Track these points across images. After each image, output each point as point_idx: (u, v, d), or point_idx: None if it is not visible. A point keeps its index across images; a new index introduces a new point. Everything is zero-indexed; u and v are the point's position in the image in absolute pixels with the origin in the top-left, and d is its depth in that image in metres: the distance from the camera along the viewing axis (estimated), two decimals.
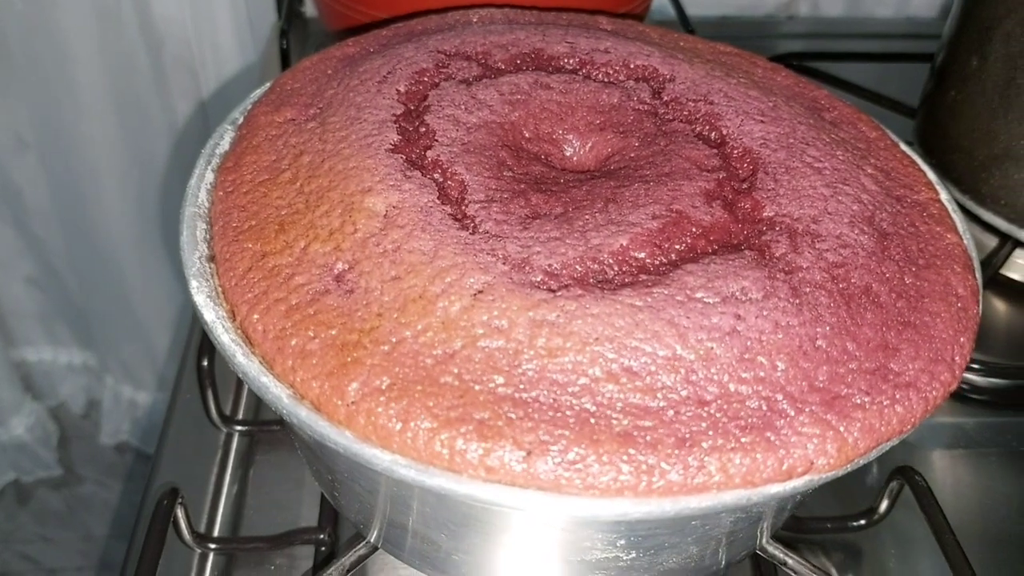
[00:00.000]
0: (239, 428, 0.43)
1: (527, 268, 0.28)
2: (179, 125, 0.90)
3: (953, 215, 0.34)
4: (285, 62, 0.63)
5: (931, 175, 0.36)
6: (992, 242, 0.50)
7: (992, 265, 0.49)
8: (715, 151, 0.34)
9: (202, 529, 0.40)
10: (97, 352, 1.10)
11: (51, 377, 1.13)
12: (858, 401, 0.26)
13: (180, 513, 0.37)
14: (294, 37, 0.72)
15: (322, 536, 0.38)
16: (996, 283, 0.51)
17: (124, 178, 0.92)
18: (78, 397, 1.16)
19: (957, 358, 0.28)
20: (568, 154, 0.35)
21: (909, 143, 0.39)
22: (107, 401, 1.14)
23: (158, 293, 1.02)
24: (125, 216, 0.95)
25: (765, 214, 0.31)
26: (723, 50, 0.42)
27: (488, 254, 0.28)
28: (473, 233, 0.29)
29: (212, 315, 0.28)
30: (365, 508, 0.32)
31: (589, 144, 0.35)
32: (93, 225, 0.95)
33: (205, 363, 0.41)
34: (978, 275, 0.31)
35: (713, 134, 0.35)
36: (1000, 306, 0.51)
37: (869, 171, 0.34)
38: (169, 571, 0.38)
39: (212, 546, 0.39)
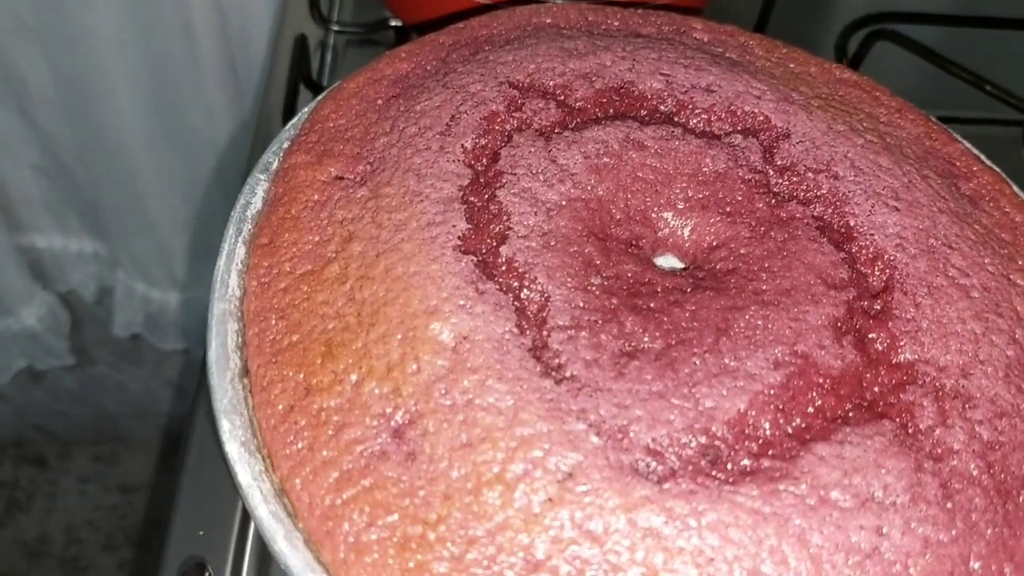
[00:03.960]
0: None
1: (625, 442, 0.23)
2: (192, 21, 0.82)
3: None
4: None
5: None
6: None
7: None
8: (842, 254, 0.28)
9: None
10: (108, 244, 1.06)
11: (61, 264, 1.10)
12: None
13: None
14: None
15: None
16: None
17: (134, 75, 0.86)
18: (89, 284, 1.13)
19: None
20: (663, 235, 0.30)
21: None
22: (119, 295, 1.11)
23: (169, 191, 0.97)
24: (135, 113, 0.89)
25: (904, 357, 0.26)
26: (840, 77, 0.36)
27: (578, 418, 0.23)
28: (559, 383, 0.24)
29: (248, 476, 0.24)
30: None
31: (689, 227, 0.30)
32: (101, 120, 0.90)
33: None
34: None
35: (837, 222, 0.29)
36: None
37: (1020, 283, 0.29)
38: None
39: None
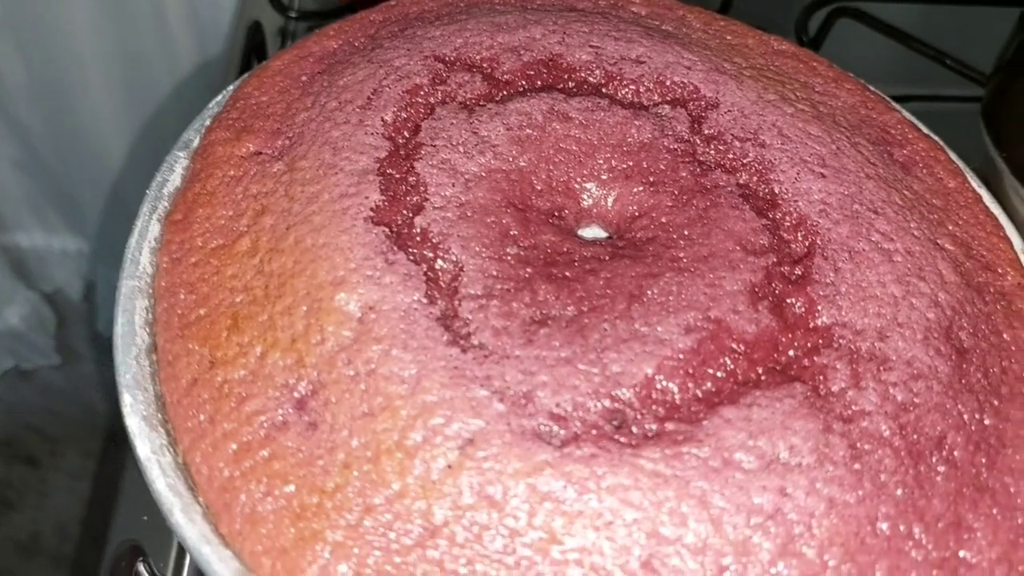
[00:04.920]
0: None
1: (529, 408, 0.23)
2: (165, 12, 0.82)
3: None
4: None
5: (1018, 244, 0.30)
6: None
7: None
8: (764, 221, 0.28)
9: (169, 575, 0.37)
10: (88, 240, 1.06)
11: (45, 263, 1.10)
12: None
13: (143, 568, 0.33)
14: None
15: None
16: None
17: (108, 66, 0.86)
18: (74, 283, 1.13)
19: None
20: (586, 205, 0.30)
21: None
22: (102, 291, 1.11)
23: (146, 184, 0.97)
24: (110, 105, 0.89)
25: (820, 321, 0.25)
26: (778, 48, 0.35)
27: (482, 385, 0.23)
28: (466, 351, 0.24)
29: (147, 448, 0.23)
30: None
31: (612, 196, 0.29)
32: (77, 112, 0.90)
33: None
34: None
35: (762, 190, 0.29)
36: None
37: (948, 247, 0.28)
38: None
39: None
